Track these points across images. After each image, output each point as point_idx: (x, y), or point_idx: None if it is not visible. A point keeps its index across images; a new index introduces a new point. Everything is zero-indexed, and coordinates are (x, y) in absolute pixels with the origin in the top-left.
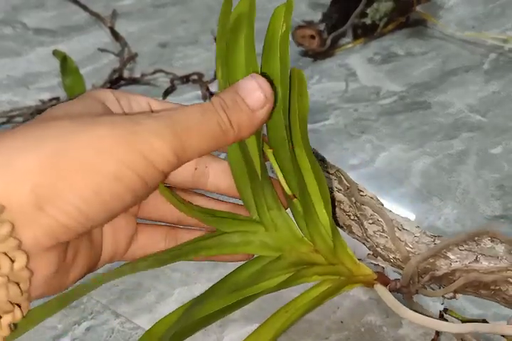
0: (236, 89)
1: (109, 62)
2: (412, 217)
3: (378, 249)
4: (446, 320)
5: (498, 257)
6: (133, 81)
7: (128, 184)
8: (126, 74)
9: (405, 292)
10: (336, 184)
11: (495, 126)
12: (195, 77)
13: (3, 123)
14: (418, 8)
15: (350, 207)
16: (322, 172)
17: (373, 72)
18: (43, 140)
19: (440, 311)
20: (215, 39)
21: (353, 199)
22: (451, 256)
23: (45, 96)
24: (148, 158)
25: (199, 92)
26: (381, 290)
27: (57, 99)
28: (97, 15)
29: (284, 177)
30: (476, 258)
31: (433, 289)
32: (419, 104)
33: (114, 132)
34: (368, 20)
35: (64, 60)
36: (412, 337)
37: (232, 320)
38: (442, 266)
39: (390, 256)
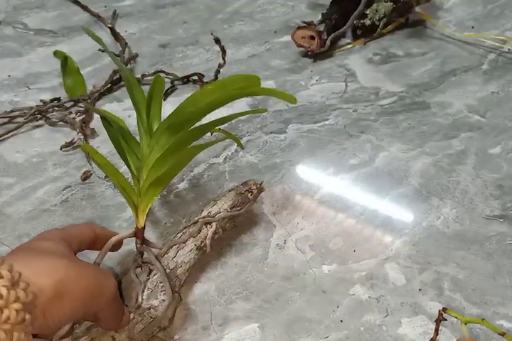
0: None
1: (110, 63)
2: (410, 216)
3: None
4: (445, 320)
5: None
6: None
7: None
8: None
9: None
10: None
11: (494, 126)
12: (195, 77)
13: (5, 123)
14: (417, 8)
15: None
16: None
17: (373, 73)
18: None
19: (439, 310)
20: (215, 40)
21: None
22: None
23: (46, 96)
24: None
25: None
26: (133, 239)
27: (58, 99)
28: (97, 16)
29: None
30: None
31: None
32: (419, 104)
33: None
34: (367, 21)
35: (65, 60)
36: (412, 336)
37: (233, 319)
38: None
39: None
